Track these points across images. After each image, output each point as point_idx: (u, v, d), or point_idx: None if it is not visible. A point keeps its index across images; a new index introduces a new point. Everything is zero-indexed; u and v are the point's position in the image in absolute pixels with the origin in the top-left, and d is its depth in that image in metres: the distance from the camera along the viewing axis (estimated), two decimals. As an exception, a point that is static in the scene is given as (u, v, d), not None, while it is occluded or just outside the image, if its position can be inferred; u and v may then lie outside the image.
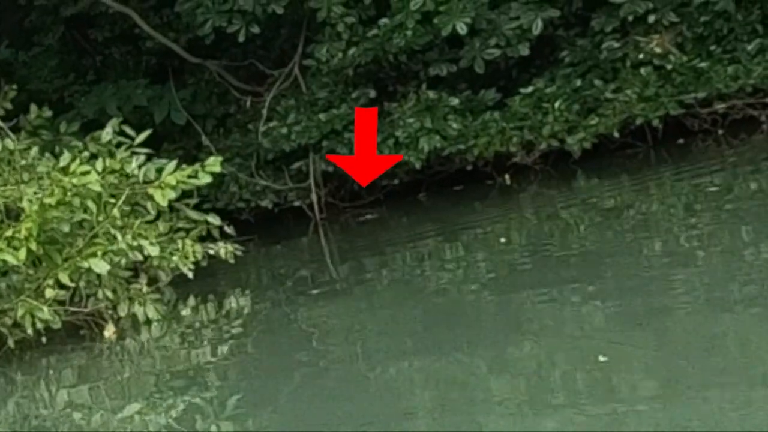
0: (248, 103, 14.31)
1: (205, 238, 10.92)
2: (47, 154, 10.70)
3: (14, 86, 12.15)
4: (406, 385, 7.93)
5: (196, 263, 10.46)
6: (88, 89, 14.78)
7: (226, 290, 11.13)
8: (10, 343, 9.58)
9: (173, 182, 10.07)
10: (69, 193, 9.70)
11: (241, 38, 13.65)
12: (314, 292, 10.88)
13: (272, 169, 14.00)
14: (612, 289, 9.06)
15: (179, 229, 10.77)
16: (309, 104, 13.82)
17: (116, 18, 14.90)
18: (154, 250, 9.92)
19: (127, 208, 10.30)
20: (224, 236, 11.07)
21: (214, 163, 10.29)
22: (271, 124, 13.78)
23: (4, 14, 15.42)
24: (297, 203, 13.85)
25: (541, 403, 7.08)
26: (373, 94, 13.65)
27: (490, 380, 7.68)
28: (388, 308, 9.89)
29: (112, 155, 10.59)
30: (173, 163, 10.26)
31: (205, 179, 10.23)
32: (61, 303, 9.74)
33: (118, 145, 10.72)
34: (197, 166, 10.25)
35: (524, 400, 7.22)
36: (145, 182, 10.28)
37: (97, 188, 9.76)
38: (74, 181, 9.74)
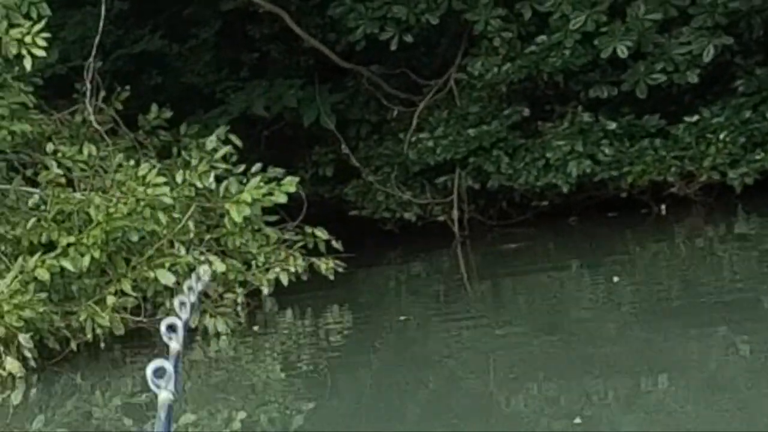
0: (395, 113, 13.96)
1: (312, 251, 10.85)
2: (126, 163, 10.60)
3: (127, 87, 11.93)
4: (533, 412, 7.63)
5: (297, 276, 10.44)
6: (241, 86, 14.54)
7: (342, 304, 10.87)
8: (73, 345, 9.59)
9: (248, 199, 10.14)
10: (141, 204, 9.76)
11: (393, 46, 13.37)
12: (445, 311, 10.59)
13: (419, 182, 13.65)
14: (765, 336, 8.44)
15: (285, 241, 10.76)
16: (460, 118, 13.44)
17: (275, 15, 14.54)
18: (221, 267, 9.96)
19: (205, 222, 10.36)
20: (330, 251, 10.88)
21: (289, 183, 10.35)
22: (420, 135, 13.42)
23: (162, 4, 15.21)
24: (441, 218, 13.49)
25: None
26: (527, 112, 13.22)
27: (621, 414, 7.36)
28: (523, 335, 9.43)
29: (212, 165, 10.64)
30: (255, 180, 10.32)
31: (281, 198, 10.29)
32: (130, 310, 9.72)
33: (229, 155, 10.75)
34: (273, 184, 10.32)
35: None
36: (225, 197, 10.37)
37: (169, 201, 9.87)
38: (148, 191, 9.84)
